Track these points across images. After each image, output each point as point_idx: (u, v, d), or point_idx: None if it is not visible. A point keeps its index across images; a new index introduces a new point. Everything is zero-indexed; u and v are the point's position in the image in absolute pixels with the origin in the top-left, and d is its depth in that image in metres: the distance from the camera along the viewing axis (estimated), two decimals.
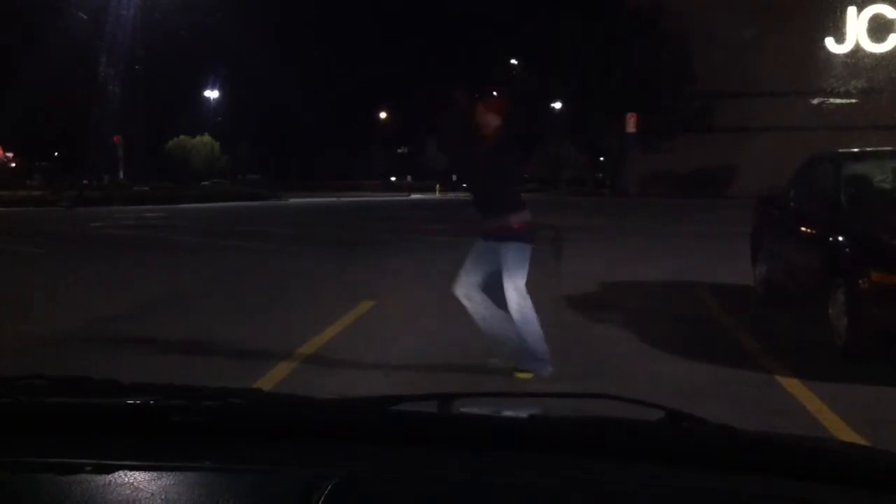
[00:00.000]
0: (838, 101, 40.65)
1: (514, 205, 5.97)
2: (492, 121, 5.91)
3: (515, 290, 5.82)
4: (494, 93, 6.25)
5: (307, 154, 65.85)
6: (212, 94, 61.55)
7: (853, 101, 40.04)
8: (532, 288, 5.97)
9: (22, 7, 37.53)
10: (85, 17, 33.62)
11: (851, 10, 45.34)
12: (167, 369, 6.06)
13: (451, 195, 51.31)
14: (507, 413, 1.59)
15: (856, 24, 45.60)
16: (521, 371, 5.88)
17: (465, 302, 6.01)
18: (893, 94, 39.49)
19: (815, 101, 42.22)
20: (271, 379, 5.85)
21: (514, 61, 56.64)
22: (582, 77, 50.23)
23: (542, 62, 52.08)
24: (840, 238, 6.92)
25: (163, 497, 1.23)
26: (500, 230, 5.88)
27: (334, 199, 45.03)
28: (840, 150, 8.89)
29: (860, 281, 6.21)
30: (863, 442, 4.23)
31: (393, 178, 73.14)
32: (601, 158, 58.62)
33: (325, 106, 57.33)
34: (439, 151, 6.68)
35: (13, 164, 56.96)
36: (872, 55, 44.24)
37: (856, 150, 9.02)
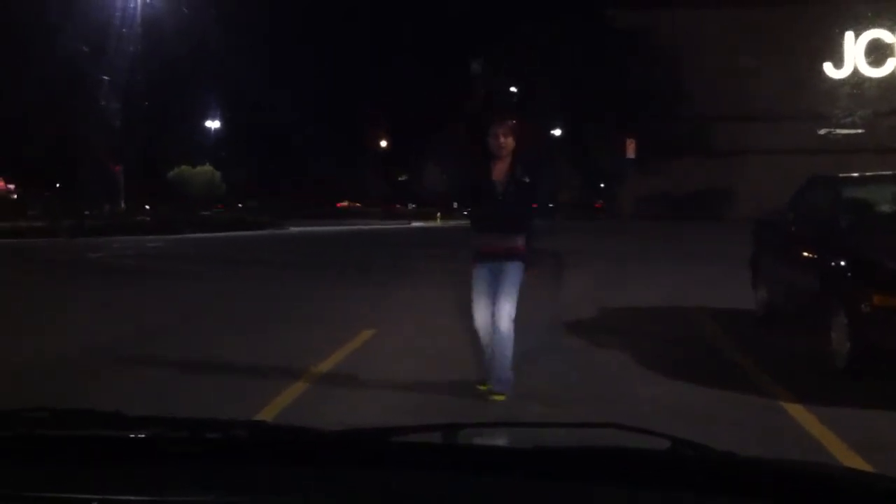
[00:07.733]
0: (844, 131, 40.59)
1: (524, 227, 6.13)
2: (509, 143, 6.00)
3: (513, 308, 5.93)
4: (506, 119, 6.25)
5: (306, 182, 66.03)
6: (213, 124, 61.76)
7: (859, 131, 39.98)
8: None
9: (20, 38, 37.68)
10: (86, 49, 33.76)
11: (849, 35, 45.46)
12: (168, 398, 6.05)
13: (451, 223, 51.22)
14: (513, 444, 1.59)
15: (853, 49, 45.75)
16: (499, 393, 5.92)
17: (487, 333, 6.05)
18: (894, 120, 39.51)
19: (822, 133, 42.22)
20: (274, 408, 5.82)
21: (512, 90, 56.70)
22: (577, 100, 50.22)
23: (537, 86, 52.08)
24: (841, 261, 6.92)
25: None
26: (510, 251, 5.98)
27: (335, 227, 44.99)
28: (839, 174, 8.92)
29: (862, 304, 6.21)
30: (866, 467, 4.22)
31: (398, 206, 73.37)
32: (601, 185, 58.52)
33: (327, 134, 57.50)
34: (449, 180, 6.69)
35: (14, 196, 56.99)
36: (871, 80, 44.33)
37: (854, 174, 9.05)
